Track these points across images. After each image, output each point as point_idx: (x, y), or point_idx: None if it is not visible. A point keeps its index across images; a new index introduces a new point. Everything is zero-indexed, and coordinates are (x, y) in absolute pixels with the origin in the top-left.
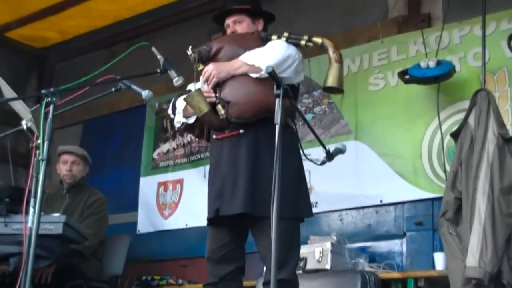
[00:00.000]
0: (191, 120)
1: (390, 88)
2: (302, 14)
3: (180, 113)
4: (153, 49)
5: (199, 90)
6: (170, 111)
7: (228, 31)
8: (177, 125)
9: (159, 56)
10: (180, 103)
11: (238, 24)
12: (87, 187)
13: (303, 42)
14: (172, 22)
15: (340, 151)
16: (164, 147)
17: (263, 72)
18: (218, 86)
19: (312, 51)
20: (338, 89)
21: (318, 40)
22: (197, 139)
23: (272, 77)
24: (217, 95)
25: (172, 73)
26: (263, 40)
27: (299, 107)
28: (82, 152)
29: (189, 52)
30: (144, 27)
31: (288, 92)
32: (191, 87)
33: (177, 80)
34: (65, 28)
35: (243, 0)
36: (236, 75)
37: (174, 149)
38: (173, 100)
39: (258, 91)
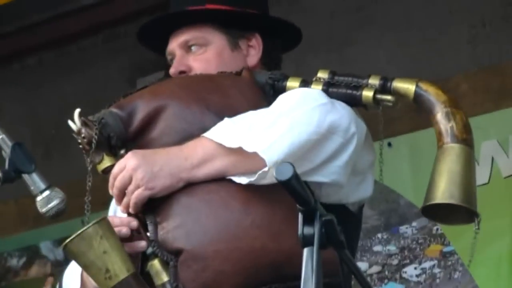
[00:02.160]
0: None
1: None
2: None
3: None
4: None
5: (104, 222)
6: None
7: (173, 70)
8: None
9: (0, 137)
10: (73, 273)
11: (194, 52)
12: None
13: (369, 94)
14: (36, 44)
15: None
16: None
17: (265, 169)
18: (149, 210)
19: (397, 122)
20: (464, 211)
21: (406, 86)
22: None
23: (290, 188)
24: (149, 234)
25: (34, 178)
26: (263, 91)
27: (365, 266)
28: None
29: (75, 124)
30: None
31: (334, 229)
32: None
33: (46, 199)
34: None
35: None
36: (196, 181)
37: None
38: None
39: (253, 223)
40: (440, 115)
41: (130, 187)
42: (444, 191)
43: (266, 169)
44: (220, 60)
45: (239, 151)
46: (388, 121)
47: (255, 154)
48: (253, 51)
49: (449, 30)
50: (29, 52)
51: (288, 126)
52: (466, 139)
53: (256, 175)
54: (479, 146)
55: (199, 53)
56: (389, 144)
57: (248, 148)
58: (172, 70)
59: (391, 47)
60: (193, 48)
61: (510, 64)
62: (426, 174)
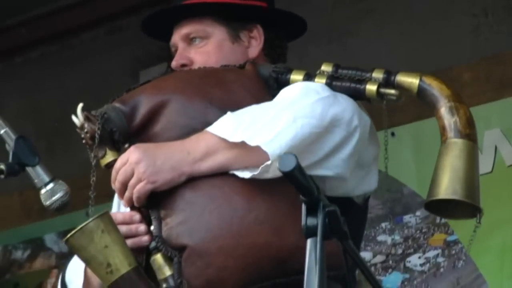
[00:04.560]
0: None
1: None
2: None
3: None
4: None
5: (105, 216)
6: None
7: (175, 63)
8: None
9: (3, 130)
10: (77, 267)
11: (196, 44)
12: None
13: (372, 88)
14: (38, 38)
15: None
16: None
17: (268, 163)
18: (154, 205)
19: (400, 112)
20: (467, 206)
21: (410, 80)
22: None
23: (293, 179)
24: (153, 229)
25: (38, 171)
26: (267, 84)
27: (369, 256)
28: None
29: (78, 118)
30: None
31: (338, 220)
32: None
33: (50, 192)
34: None
35: None
36: (199, 175)
37: None
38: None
39: (257, 219)
40: (443, 110)
41: (132, 181)
42: (447, 187)
43: (269, 162)
44: (220, 53)
45: (242, 145)
46: (391, 111)
47: (257, 148)
48: (255, 43)
49: (451, 20)
50: (31, 46)
51: (291, 119)
52: (469, 134)
53: (259, 169)
54: (482, 135)
55: (201, 45)
56: (393, 134)
57: (251, 142)
58: (173, 63)
59: (392, 37)
60: (195, 40)
61: None
62: (429, 164)
